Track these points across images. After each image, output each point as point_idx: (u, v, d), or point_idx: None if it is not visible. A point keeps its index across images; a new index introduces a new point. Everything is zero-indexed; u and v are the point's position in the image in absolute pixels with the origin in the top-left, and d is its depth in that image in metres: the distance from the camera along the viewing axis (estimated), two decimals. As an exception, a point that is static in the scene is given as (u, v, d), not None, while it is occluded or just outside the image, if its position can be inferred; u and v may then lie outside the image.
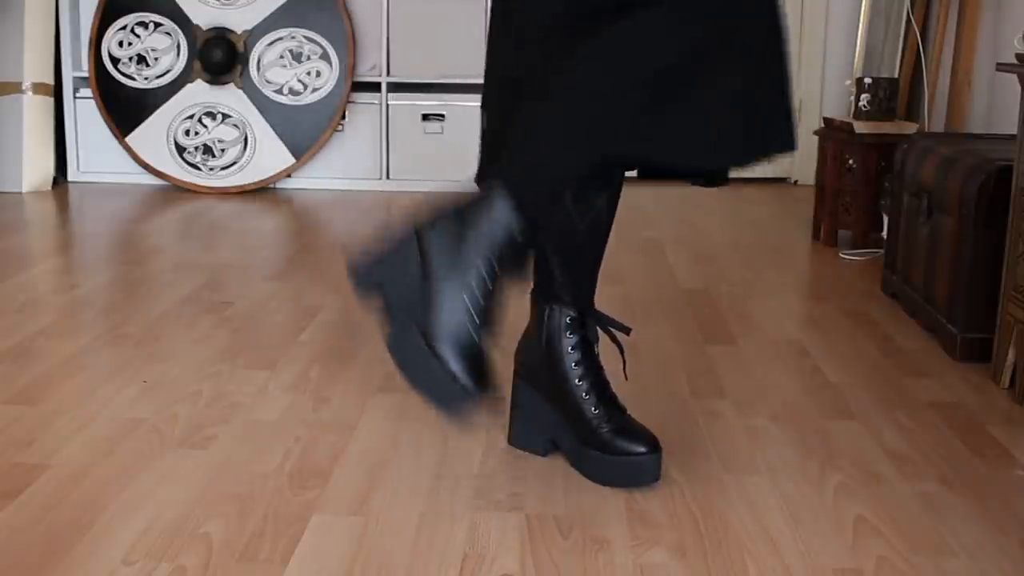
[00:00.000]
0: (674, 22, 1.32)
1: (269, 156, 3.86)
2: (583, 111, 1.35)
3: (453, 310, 1.39)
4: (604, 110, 1.34)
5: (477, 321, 1.40)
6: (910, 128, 3.00)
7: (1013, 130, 2.07)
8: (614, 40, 1.33)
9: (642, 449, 1.47)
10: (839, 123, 3.08)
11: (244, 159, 3.86)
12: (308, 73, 3.84)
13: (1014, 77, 2.03)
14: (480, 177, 1.55)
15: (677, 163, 1.39)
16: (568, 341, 1.52)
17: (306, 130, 3.86)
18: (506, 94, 1.51)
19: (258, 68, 3.85)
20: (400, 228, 1.44)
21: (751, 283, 2.63)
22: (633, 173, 1.58)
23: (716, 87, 1.34)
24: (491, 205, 1.39)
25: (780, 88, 1.40)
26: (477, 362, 1.40)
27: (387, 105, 3.91)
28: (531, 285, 1.58)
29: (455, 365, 1.36)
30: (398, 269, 1.42)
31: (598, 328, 1.56)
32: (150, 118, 3.89)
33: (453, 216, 1.41)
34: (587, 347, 1.53)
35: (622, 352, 1.57)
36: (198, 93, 3.87)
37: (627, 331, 1.54)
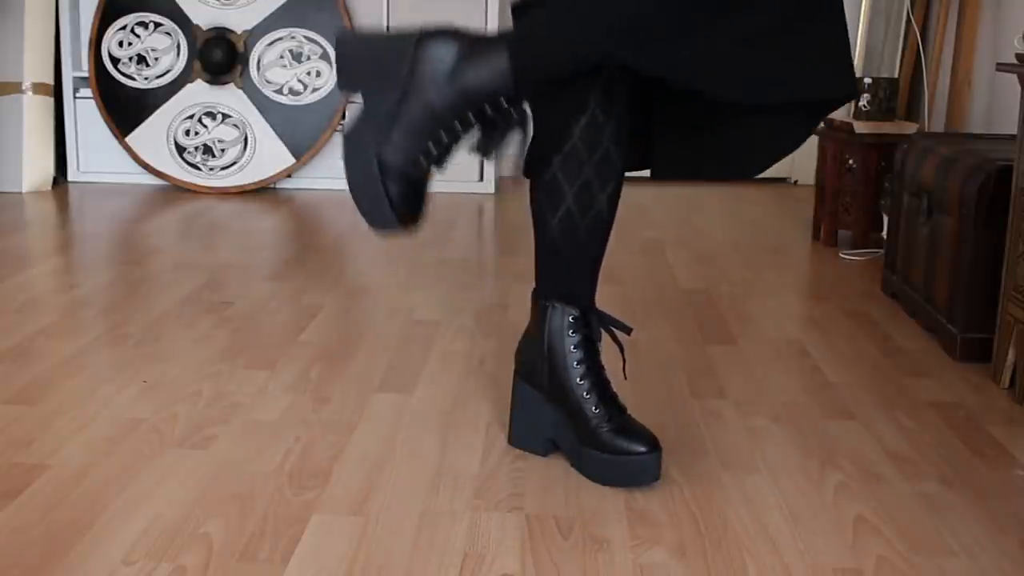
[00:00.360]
0: None
1: (269, 156, 3.86)
2: (611, 8, 1.31)
3: (416, 139, 1.43)
4: (633, 12, 1.30)
5: (433, 155, 1.44)
6: (910, 128, 3.00)
7: (1013, 130, 2.07)
8: None
9: (642, 449, 1.47)
10: (839, 123, 3.08)
11: (244, 159, 3.86)
12: (308, 73, 3.85)
13: (1014, 77, 2.03)
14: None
15: (703, 88, 1.33)
16: (570, 340, 1.52)
17: (306, 130, 3.86)
18: None
19: (258, 68, 3.85)
20: (403, 32, 1.45)
21: (751, 283, 2.63)
22: (646, 173, 1.58)
23: (758, 15, 1.30)
24: (494, 58, 1.40)
25: (834, 23, 1.35)
26: (416, 192, 1.45)
27: (387, 105, 3.91)
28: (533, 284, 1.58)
29: (394, 188, 1.41)
30: (384, 70, 1.44)
31: (599, 327, 1.56)
32: (150, 118, 3.89)
33: (459, 47, 1.42)
34: (589, 346, 1.53)
35: (623, 352, 1.57)
36: (198, 93, 3.87)
37: (628, 331, 1.54)
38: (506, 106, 1.43)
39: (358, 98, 1.47)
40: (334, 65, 1.49)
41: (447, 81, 1.42)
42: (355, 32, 1.49)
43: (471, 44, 1.43)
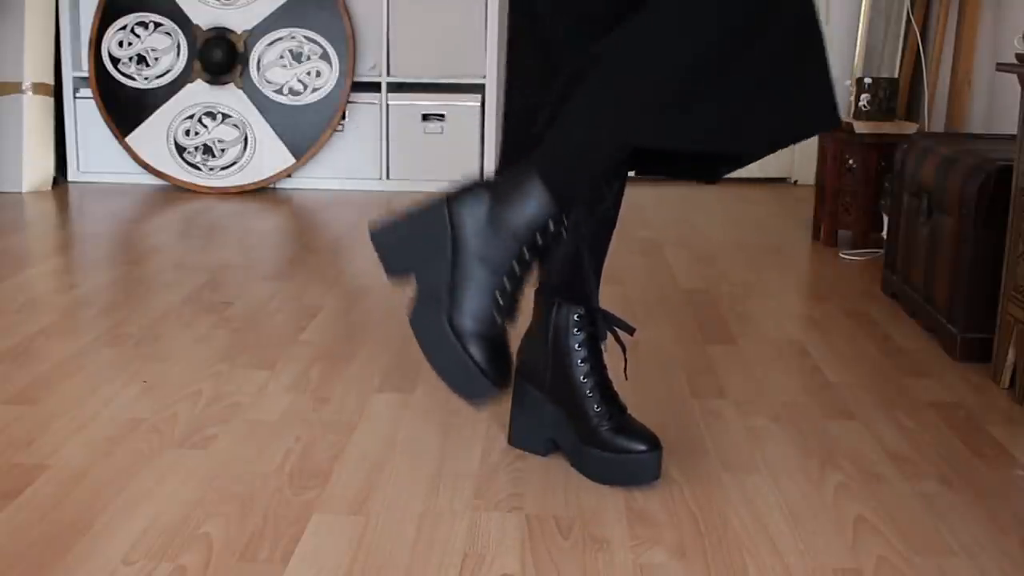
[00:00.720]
0: (711, 7, 1.30)
1: (269, 156, 3.86)
2: (619, 96, 1.33)
3: (482, 297, 1.41)
4: (641, 95, 1.32)
5: (503, 306, 1.42)
6: (910, 128, 3.00)
7: (1013, 130, 2.07)
8: (649, 25, 1.32)
9: (642, 448, 1.47)
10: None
11: (244, 159, 3.86)
12: (308, 73, 3.84)
13: (1014, 77, 2.03)
14: (503, 166, 1.55)
15: (717, 149, 1.38)
16: (575, 338, 1.52)
17: (306, 130, 3.86)
18: (531, 82, 1.51)
19: (258, 68, 3.85)
20: (430, 201, 1.44)
21: (751, 283, 2.63)
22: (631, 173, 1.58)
23: (753, 70, 1.33)
24: (528, 188, 1.40)
25: (820, 63, 1.37)
26: (498, 350, 1.43)
27: (387, 105, 3.91)
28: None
29: (477, 353, 1.38)
30: (426, 245, 1.44)
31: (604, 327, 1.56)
32: (150, 118, 3.89)
33: (488, 193, 1.42)
34: (593, 345, 1.53)
35: (624, 352, 1.57)
36: (198, 93, 3.87)
37: (631, 331, 1.54)
38: (554, 228, 1.43)
39: (411, 282, 1.46)
40: (379, 260, 1.47)
41: (492, 230, 1.42)
42: (383, 221, 1.48)
43: (498, 186, 1.43)
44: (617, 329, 1.55)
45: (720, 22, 1.30)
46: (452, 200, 1.45)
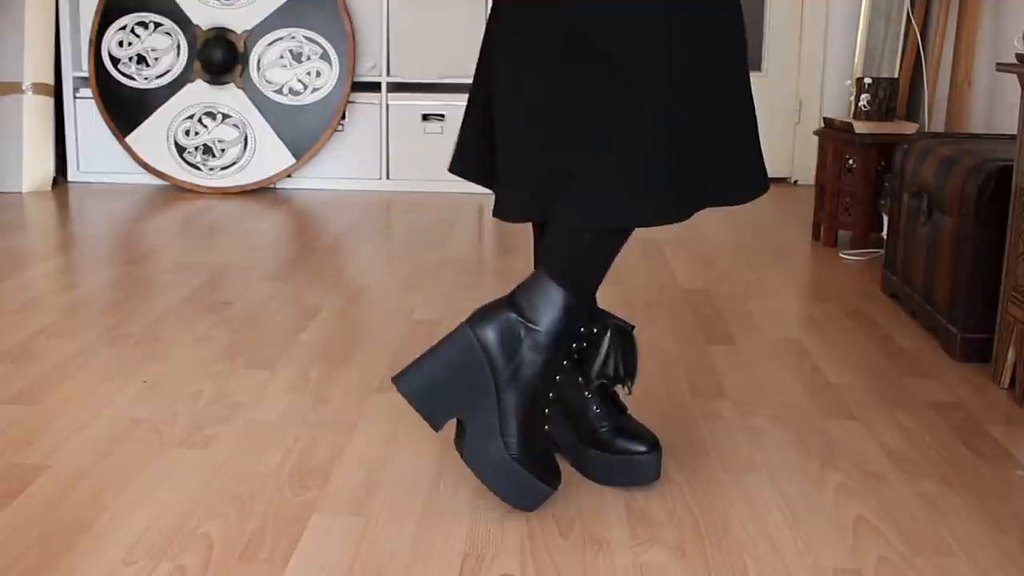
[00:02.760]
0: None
1: (269, 156, 3.86)
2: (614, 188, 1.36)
3: (532, 417, 1.41)
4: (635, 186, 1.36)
5: (549, 417, 1.44)
6: (910, 128, 3.00)
7: (1013, 130, 2.07)
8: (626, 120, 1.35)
9: (642, 448, 1.47)
10: (839, 123, 3.08)
11: (244, 159, 3.86)
12: (308, 73, 3.84)
13: (1014, 77, 2.03)
14: (458, 150, 1.56)
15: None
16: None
17: (306, 130, 3.86)
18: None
19: (258, 68, 3.85)
20: (453, 335, 1.41)
21: (751, 283, 2.63)
22: None
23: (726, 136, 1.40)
24: (553, 297, 1.40)
25: (752, 135, 1.45)
26: (547, 453, 1.44)
27: (387, 105, 3.91)
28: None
29: (536, 469, 1.39)
30: (467, 381, 1.39)
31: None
32: (150, 118, 3.89)
33: (513, 311, 1.41)
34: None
35: (623, 351, 1.57)
36: (198, 93, 3.87)
37: (630, 329, 1.54)
38: (583, 330, 1.45)
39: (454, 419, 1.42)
40: (418, 413, 1.42)
41: (528, 349, 1.40)
42: (406, 371, 1.41)
43: (519, 303, 1.42)
44: (616, 329, 1.55)
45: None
46: (474, 328, 1.40)
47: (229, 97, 3.86)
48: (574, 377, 1.50)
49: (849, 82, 3.38)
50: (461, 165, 1.56)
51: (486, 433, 1.39)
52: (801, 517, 1.40)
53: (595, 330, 1.46)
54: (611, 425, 1.49)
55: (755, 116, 1.45)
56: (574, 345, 1.46)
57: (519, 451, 1.38)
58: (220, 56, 3.83)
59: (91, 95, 3.91)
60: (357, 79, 3.88)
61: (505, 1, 1.44)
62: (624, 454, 1.47)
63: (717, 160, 1.40)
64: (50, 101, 3.84)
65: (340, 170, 3.95)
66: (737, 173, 1.43)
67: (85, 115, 3.96)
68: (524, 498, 1.39)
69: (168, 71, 3.88)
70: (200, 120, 3.87)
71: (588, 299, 1.47)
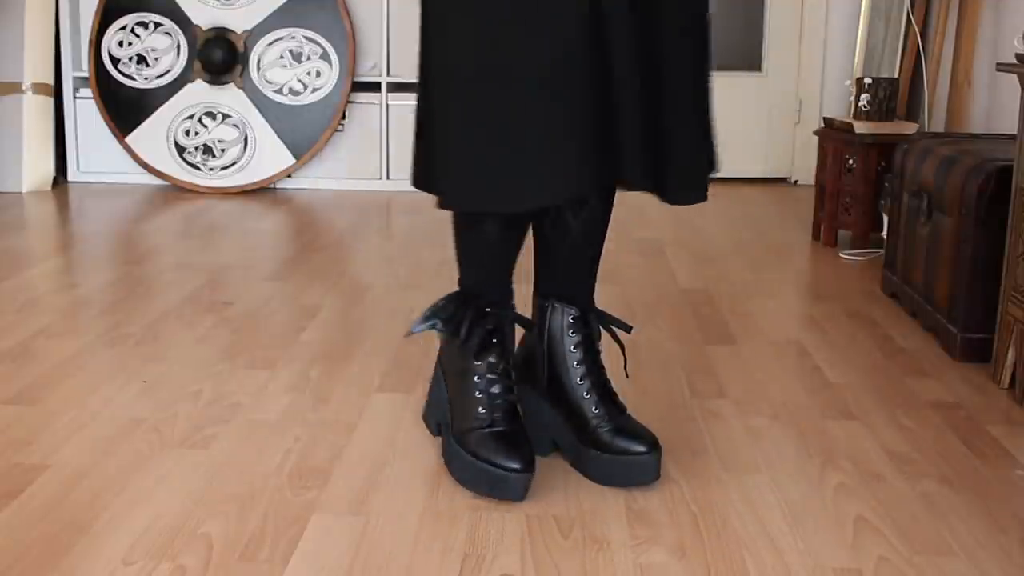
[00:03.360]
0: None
1: (269, 156, 3.86)
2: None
3: (468, 407, 1.48)
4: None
5: (497, 399, 1.48)
6: (910, 128, 3.00)
7: (1013, 130, 2.07)
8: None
9: (642, 449, 1.47)
10: (839, 123, 3.08)
11: (244, 159, 3.86)
12: (308, 73, 3.85)
13: (1014, 77, 2.03)
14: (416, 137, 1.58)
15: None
16: (570, 340, 1.52)
17: (306, 130, 3.86)
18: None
19: (258, 68, 3.85)
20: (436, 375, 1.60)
21: (751, 283, 2.63)
22: None
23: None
24: (467, 303, 1.52)
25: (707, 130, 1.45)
26: (510, 438, 1.46)
27: (387, 105, 3.92)
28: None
29: (488, 453, 1.43)
30: (436, 395, 1.59)
31: (600, 327, 1.56)
32: (150, 118, 3.89)
33: (447, 321, 1.53)
34: (589, 346, 1.53)
35: (623, 350, 1.57)
36: (198, 93, 3.87)
37: (628, 329, 1.54)
38: (489, 310, 1.51)
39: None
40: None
41: (441, 339, 1.58)
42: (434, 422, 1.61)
43: (445, 309, 1.55)
44: (614, 328, 1.55)
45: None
46: (440, 353, 1.60)
47: (229, 97, 3.86)
48: (573, 379, 1.51)
49: (849, 82, 3.38)
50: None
51: (446, 431, 1.52)
52: (801, 517, 1.40)
53: (500, 315, 1.51)
54: (611, 425, 1.49)
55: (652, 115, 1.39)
56: (489, 328, 1.50)
57: (470, 439, 1.45)
58: (220, 56, 3.83)
59: (91, 95, 3.91)
60: (357, 79, 3.88)
61: None
62: (624, 454, 1.47)
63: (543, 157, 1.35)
64: (50, 101, 3.84)
65: (340, 170, 3.95)
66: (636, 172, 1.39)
67: (85, 115, 3.96)
68: (487, 487, 1.42)
69: (168, 71, 3.88)
70: (200, 120, 3.87)
71: (484, 286, 1.52)
